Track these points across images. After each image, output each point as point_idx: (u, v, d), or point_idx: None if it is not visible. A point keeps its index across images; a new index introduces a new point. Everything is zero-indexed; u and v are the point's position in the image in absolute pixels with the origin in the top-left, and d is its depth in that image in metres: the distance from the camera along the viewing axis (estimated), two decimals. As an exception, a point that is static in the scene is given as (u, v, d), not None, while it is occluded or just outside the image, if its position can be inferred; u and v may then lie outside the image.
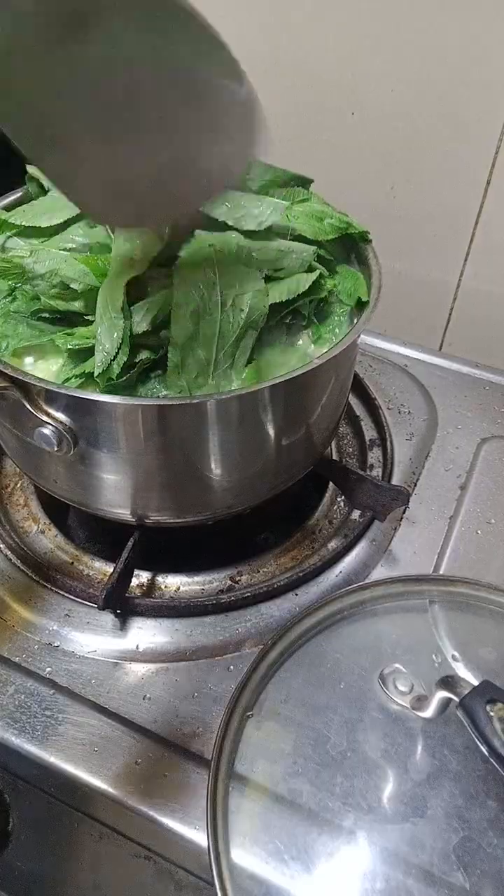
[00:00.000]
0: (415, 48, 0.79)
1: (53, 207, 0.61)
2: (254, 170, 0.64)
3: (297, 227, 0.60)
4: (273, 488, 0.61)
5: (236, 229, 0.57)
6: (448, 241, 0.92)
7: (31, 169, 0.64)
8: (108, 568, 0.66)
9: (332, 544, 0.68)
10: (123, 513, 0.58)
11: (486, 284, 0.93)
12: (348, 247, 0.63)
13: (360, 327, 0.54)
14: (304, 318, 0.59)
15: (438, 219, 0.91)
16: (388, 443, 0.77)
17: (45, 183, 0.64)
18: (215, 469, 0.55)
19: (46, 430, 0.50)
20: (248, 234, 0.58)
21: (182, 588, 0.65)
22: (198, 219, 0.51)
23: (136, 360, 0.52)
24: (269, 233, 0.59)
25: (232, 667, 0.59)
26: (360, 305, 0.59)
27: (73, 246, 0.59)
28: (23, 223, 0.60)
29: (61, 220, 0.60)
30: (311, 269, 0.59)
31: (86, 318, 0.55)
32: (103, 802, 0.52)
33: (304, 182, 0.65)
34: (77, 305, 0.55)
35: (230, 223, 0.57)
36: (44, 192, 0.64)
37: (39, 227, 0.60)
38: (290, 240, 0.60)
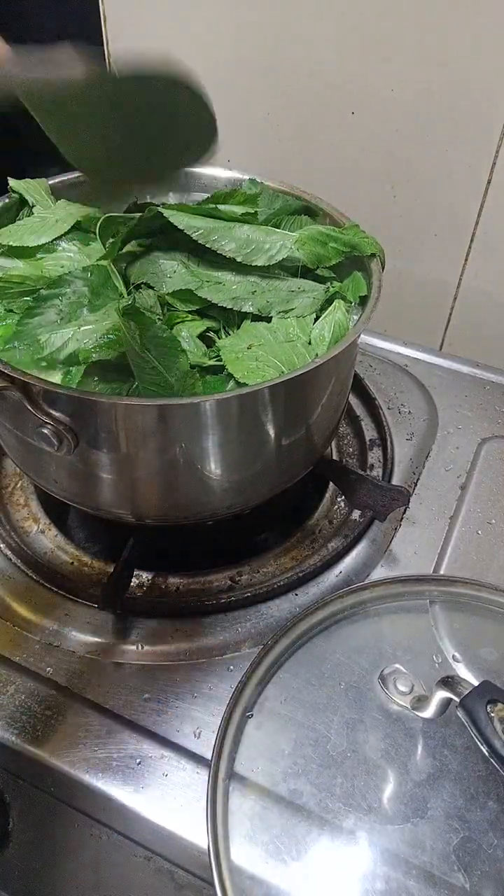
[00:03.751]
0: (415, 48, 0.79)
1: (40, 228, 0.62)
2: (263, 198, 0.64)
3: (303, 258, 0.60)
4: (273, 488, 0.61)
5: (246, 265, 0.58)
6: (448, 241, 0.92)
7: (13, 183, 0.65)
8: (109, 568, 0.66)
9: (333, 544, 0.68)
10: (123, 513, 0.58)
11: (486, 284, 0.93)
12: (354, 257, 0.63)
13: (361, 326, 0.54)
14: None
15: (439, 218, 0.90)
16: (389, 443, 0.77)
17: (29, 199, 0.65)
18: (215, 469, 0.55)
19: (46, 430, 0.50)
20: (258, 270, 0.59)
21: (182, 588, 0.65)
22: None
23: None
24: (280, 268, 0.60)
25: (232, 667, 0.59)
26: (362, 302, 0.59)
27: (67, 263, 0.60)
28: (10, 243, 0.61)
29: (48, 240, 0.61)
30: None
31: None
32: (103, 802, 0.52)
33: (314, 211, 0.66)
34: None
35: (239, 259, 0.57)
36: (25, 203, 0.65)
37: (27, 246, 0.61)
38: (299, 268, 0.61)
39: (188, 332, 0.56)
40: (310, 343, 0.56)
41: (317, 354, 0.56)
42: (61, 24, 0.93)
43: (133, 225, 0.58)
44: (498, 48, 0.76)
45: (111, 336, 0.53)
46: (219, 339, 0.58)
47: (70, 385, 0.53)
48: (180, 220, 0.57)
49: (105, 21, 0.91)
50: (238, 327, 0.58)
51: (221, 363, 0.55)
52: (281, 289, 0.58)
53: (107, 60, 0.94)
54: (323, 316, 0.58)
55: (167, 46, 0.90)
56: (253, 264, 0.58)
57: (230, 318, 0.59)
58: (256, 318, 0.58)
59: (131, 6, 0.89)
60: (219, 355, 0.55)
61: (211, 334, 0.58)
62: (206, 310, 0.58)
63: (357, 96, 0.85)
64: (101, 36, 0.92)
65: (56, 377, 0.54)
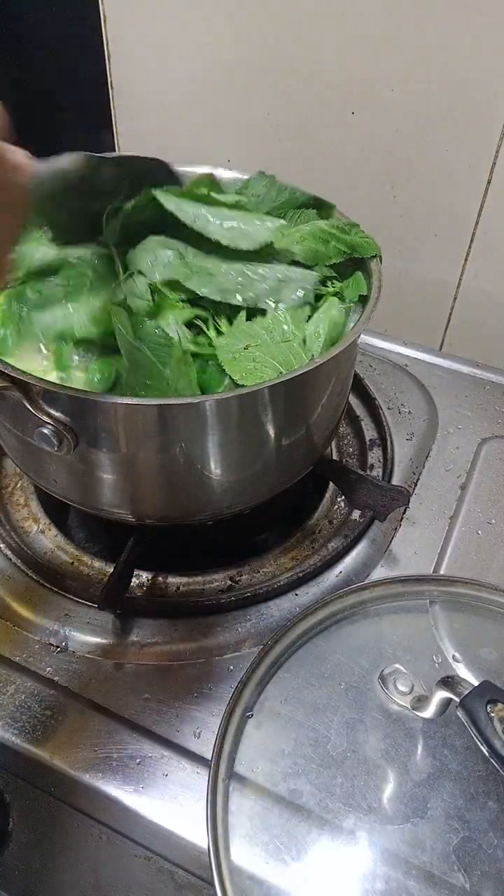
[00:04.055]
0: (415, 48, 0.79)
1: None
2: (268, 192, 0.64)
3: (297, 252, 0.60)
4: (273, 488, 0.61)
5: (237, 253, 0.58)
6: (448, 241, 0.92)
7: None
8: (109, 568, 0.66)
9: (333, 544, 0.68)
10: (123, 513, 0.58)
11: (486, 284, 0.93)
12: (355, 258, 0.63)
13: (361, 327, 0.54)
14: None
15: (439, 218, 0.90)
16: (389, 443, 0.77)
17: None
18: (215, 469, 0.55)
19: (46, 430, 0.50)
20: (248, 258, 0.59)
21: (182, 588, 0.65)
22: None
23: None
24: (270, 255, 0.60)
25: (232, 667, 0.59)
26: (362, 301, 0.59)
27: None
28: None
29: None
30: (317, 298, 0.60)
31: None
32: (103, 802, 0.52)
33: (322, 205, 0.65)
34: None
35: (225, 242, 0.57)
36: None
37: None
38: (290, 264, 0.60)
39: (175, 318, 0.56)
40: (304, 341, 0.57)
41: (313, 355, 0.56)
42: (61, 24, 0.93)
43: (129, 210, 0.58)
44: (498, 48, 0.76)
45: (99, 315, 0.55)
46: (208, 328, 0.58)
47: (63, 364, 0.54)
48: (170, 202, 0.57)
49: (105, 21, 0.91)
50: (227, 317, 0.58)
51: (208, 351, 0.56)
52: (269, 278, 0.58)
53: (107, 63, 0.94)
54: (317, 313, 0.58)
55: (167, 46, 0.90)
56: (238, 248, 0.58)
57: (219, 308, 0.59)
58: (251, 310, 0.58)
59: (131, 6, 0.89)
60: (209, 343, 0.56)
61: (199, 322, 0.58)
62: (198, 298, 0.59)
63: (357, 96, 0.85)
64: (101, 36, 0.92)
65: (52, 375, 0.54)
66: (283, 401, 0.53)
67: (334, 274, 0.62)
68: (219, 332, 0.57)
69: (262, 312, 0.58)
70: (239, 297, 0.57)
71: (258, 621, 0.62)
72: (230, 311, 0.58)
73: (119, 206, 0.60)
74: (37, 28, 0.95)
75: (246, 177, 0.69)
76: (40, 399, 0.49)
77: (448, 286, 0.96)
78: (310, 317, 0.58)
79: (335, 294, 0.60)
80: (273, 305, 0.58)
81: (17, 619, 0.62)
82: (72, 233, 0.58)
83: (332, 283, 0.61)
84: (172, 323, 0.56)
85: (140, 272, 0.58)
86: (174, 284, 0.57)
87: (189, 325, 0.57)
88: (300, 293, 0.58)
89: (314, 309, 0.59)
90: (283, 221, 0.61)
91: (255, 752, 0.51)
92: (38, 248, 0.60)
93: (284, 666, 0.55)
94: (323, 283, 0.61)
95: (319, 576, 0.65)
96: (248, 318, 0.58)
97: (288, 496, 0.65)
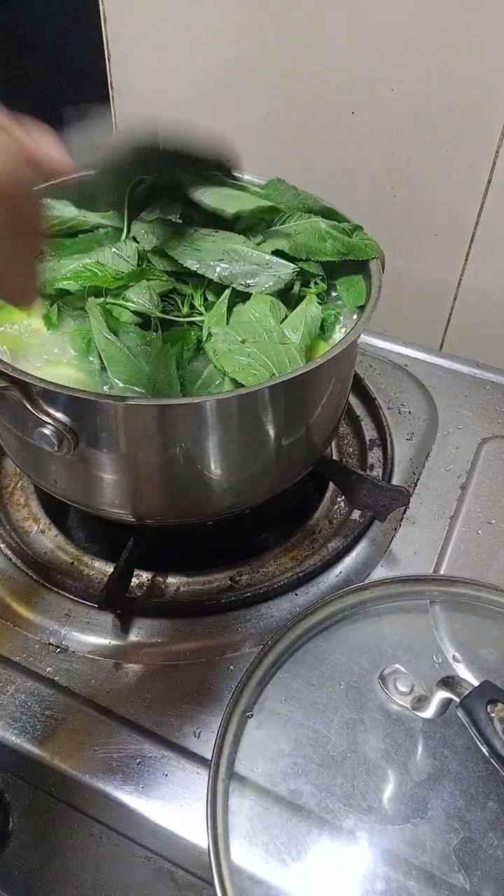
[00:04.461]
0: (415, 48, 0.79)
1: None
2: (281, 194, 0.66)
3: (285, 244, 0.61)
4: (273, 488, 0.61)
5: (227, 233, 0.60)
6: (448, 241, 0.92)
7: None
8: (109, 568, 0.66)
9: (333, 544, 0.68)
10: (124, 513, 0.58)
11: (486, 284, 0.93)
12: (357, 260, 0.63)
13: (360, 327, 0.54)
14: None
15: (439, 218, 0.91)
16: (389, 443, 0.77)
17: None
18: (215, 469, 0.55)
19: (46, 430, 0.50)
20: (235, 238, 0.60)
21: (182, 588, 0.65)
22: None
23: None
24: (253, 239, 0.61)
25: (232, 667, 0.59)
26: (362, 308, 0.59)
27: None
28: None
29: None
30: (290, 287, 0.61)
31: None
32: (103, 802, 0.52)
33: (331, 214, 0.65)
34: None
35: (207, 201, 0.60)
36: None
37: None
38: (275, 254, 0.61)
39: (149, 286, 0.58)
40: (282, 332, 0.57)
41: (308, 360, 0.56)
42: (61, 24, 0.93)
43: (150, 184, 0.62)
44: (498, 48, 0.76)
45: (81, 271, 0.57)
46: (183, 305, 0.59)
47: (52, 322, 0.57)
48: (187, 178, 0.61)
49: (105, 21, 0.91)
50: (205, 297, 0.59)
51: (179, 318, 0.57)
52: (247, 260, 0.59)
53: (107, 63, 0.94)
54: (296, 310, 0.59)
55: (167, 46, 0.90)
56: (222, 210, 0.60)
57: (199, 286, 0.60)
58: (236, 293, 0.59)
59: (131, 6, 0.89)
60: (179, 316, 0.58)
61: (175, 297, 0.60)
62: (181, 274, 0.60)
63: (357, 96, 0.85)
64: (101, 36, 0.92)
65: (51, 371, 0.55)
66: (283, 401, 0.53)
67: (321, 273, 0.62)
68: (192, 308, 0.59)
69: (245, 298, 0.59)
70: (216, 273, 0.58)
71: (258, 621, 0.62)
72: (211, 292, 0.59)
73: (146, 181, 0.62)
74: (37, 28, 0.95)
75: (246, 176, 0.69)
76: (40, 399, 0.49)
77: (448, 286, 0.96)
78: (287, 314, 0.59)
79: (317, 294, 0.61)
80: (245, 286, 0.59)
81: (17, 619, 0.62)
82: (98, 200, 0.63)
83: (316, 283, 0.61)
84: (145, 290, 0.57)
85: (134, 238, 0.60)
86: (161, 253, 0.60)
87: (166, 297, 0.59)
88: (271, 281, 0.59)
89: (295, 305, 0.60)
90: (266, 202, 0.62)
91: (255, 752, 0.51)
92: (67, 208, 0.64)
93: (284, 666, 0.55)
94: (306, 283, 0.62)
95: (319, 576, 0.65)
96: (232, 305, 0.58)
97: (288, 496, 0.65)
